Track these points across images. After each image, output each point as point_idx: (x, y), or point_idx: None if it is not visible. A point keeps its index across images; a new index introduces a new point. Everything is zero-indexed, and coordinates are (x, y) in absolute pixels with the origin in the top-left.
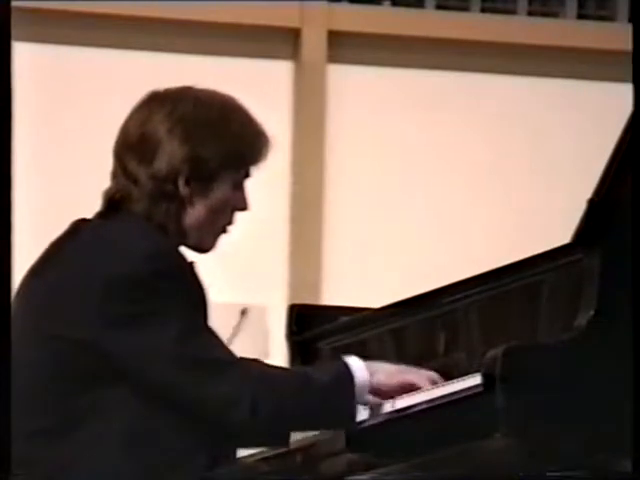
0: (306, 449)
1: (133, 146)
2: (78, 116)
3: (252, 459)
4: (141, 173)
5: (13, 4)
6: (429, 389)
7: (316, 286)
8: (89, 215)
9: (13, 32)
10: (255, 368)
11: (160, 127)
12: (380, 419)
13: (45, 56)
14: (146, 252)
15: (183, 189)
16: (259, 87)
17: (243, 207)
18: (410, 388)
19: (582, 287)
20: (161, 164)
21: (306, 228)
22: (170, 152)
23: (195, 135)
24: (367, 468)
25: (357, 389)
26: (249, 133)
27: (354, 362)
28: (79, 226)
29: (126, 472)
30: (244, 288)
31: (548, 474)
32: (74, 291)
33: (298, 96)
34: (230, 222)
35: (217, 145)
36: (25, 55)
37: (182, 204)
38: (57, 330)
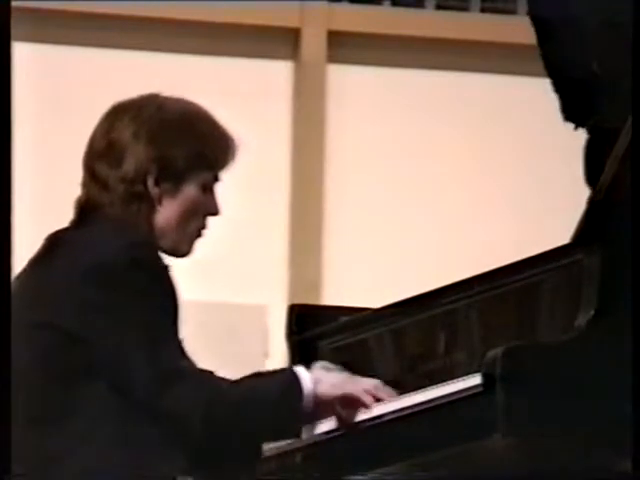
0: (306, 449)
1: (101, 153)
2: (78, 116)
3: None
4: (111, 177)
5: (13, 4)
6: (427, 390)
7: (316, 286)
8: None
9: (13, 32)
10: (209, 381)
11: (125, 131)
12: (379, 420)
13: (45, 56)
14: (123, 242)
15: (152, 189)
16: (259, 87)
17: (214, 211)
18: (351, 401)
19: (582, 287)
20: (129, 166)
21: (306, 228)
22: (137, 154)
23: (160, 136)
24: (367, 468)
25: (304, 399)
26: (214, 134)
27: (302, 372)
28: (55, 236)
29: (109, 469)
30: (244, 288)
31: (548, 474)
32: (55, 281)
33: (298, 96)
34: (203, 226)
35: (183, 145)
36: (25, 55)
37: (152, 205)
38: (40, 317)
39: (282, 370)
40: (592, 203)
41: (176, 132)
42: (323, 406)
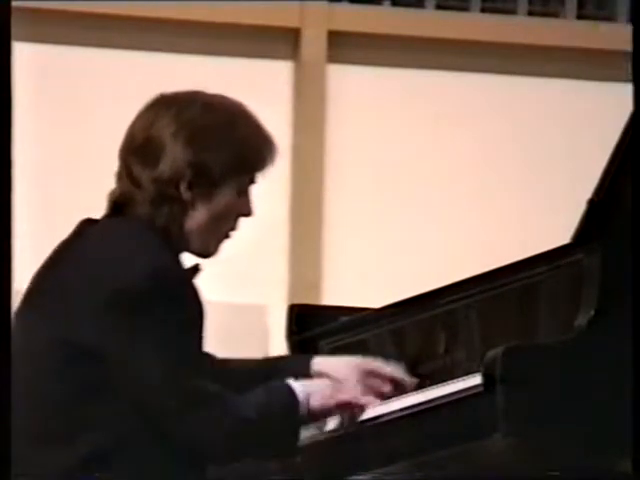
0: (306, 449)
1: (138, 149)
2: (78, 116)
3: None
4: (144, 176)
5: (13, 4)
6: (427, 390)
7: (316, 286)
8: (88, 214)
9: (13, 32)
10: (230, 402)
11: (165, 130)
12: (379, 420)
13: (45, 56)
14: (147, 267)
15: (185, 193)
16: (259, 87)
17: (247, 213)
18: (348, 407)
19: (582, 287)
20: (164, 167)
21: (306, 228)
22: (173, 156)
23: (200, 140)
24: (367, 468)
25: (300, 414)
26: (255, 139)
27: (296, 387)
28: (85, 229)
29: None
30: (244, 288)
31: (548, 474)
32: (79, 298)
33: (298, 96)
34: (233, 228)
35: (222, 151)
36: (25, 55)
37: (184, 208)
38: (63, 334)
39: (277, 387)
40: (592, 203)
41: (217, 136)
42: (317, 417)
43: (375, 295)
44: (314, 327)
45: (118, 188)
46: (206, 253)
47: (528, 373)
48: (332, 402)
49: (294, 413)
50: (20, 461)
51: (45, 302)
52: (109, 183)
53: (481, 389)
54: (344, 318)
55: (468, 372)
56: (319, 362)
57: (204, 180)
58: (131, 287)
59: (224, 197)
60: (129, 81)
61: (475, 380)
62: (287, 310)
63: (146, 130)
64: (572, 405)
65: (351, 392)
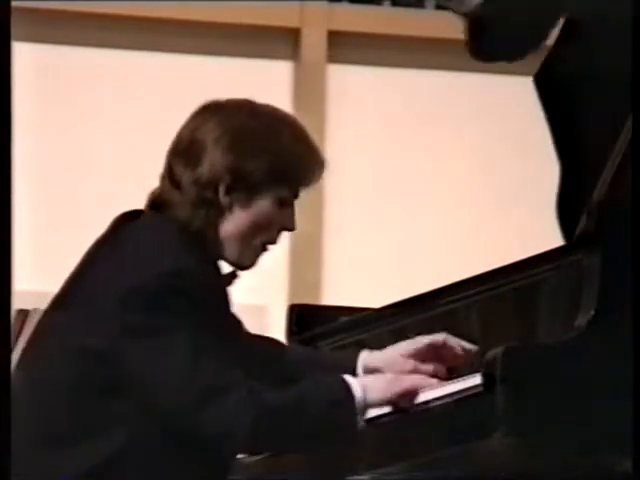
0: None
1: (182, 151)
2: (78, 116)
3: (252, 459)
4: (184, 178)
5: (13, 4)
6: (429, 389)
7: (316, 286)
8: (88, 214)
9: (13, 32)
10: (256, 396)
11: (208, 135)
12: (380, 419)
13: (45, 56)
14: (164, 268)
15: (223, 198)
16: (259, 87)
17: (289, 227)
18: (411, 393)
19: (582, 287)
20: (204, 170)
21: (306, 228)
22: (213, 159)
23: (241, 145)
24: (367, 468)
25: (357, 410)
26: (299, 151)
27: (351, 381)
28: (119, 227)
29: None
30: (244, 288)
31: (548, 474)
32: (96, 302)
33: (298, 96)
34: (273, 241)
35: (263, 158)
36: (25, 55)
37: (221, 213)
38: (79, 339)
39: (332, 380)
40: (592, 203)
41: (259, 143)
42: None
43: (375, 295)
44: (314, 327)
45: (159, 189)
46: (241, 263)
47: (528, 373)
48: (389, 395)
49: (352, 409)
50: (36, 462)
51: (70, 300)
52: (109, 182)
53: (481, 389)
54: (344, 318)
55: (468, 372)
56: (369, 357)
57: (243, 185)
58: (146, 286)
59: (263, 205)
60: (129, 81)
61: (475, 380)
62: (287, 310)
63: (191, 133)
64: (572, 405)
65: (409, 379)
